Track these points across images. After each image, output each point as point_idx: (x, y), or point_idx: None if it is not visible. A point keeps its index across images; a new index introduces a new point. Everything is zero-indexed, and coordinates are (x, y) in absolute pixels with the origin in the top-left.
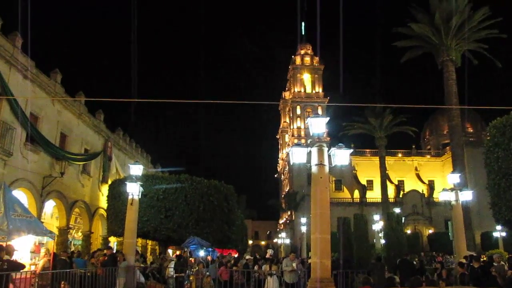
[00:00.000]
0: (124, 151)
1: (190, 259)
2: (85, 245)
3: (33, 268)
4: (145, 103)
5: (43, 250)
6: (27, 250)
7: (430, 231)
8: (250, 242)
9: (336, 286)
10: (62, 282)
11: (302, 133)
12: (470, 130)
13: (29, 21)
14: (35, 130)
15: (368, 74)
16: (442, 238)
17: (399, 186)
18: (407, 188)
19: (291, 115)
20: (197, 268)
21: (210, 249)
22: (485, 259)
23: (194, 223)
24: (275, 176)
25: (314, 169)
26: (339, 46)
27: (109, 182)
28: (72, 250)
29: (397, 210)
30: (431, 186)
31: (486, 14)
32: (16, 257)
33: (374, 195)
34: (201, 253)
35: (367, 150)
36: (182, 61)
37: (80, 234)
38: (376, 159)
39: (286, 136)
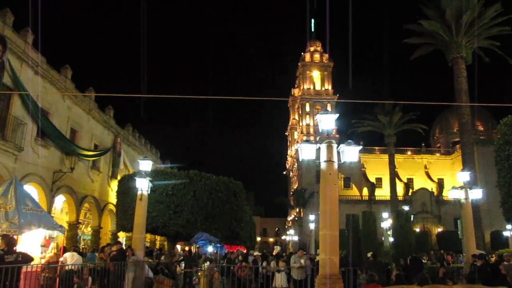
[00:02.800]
0: (133, 147)
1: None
2: (94, 240)
3: (43, 261)
4: (155, 99)
5: (52, 245)
6: (38, 244)
7: (439, 230)
8: (258, 239)
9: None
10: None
11: (311, 130)
12: (481, 128)
13: (40, 17)
14: (49, 123)
15: (377, 71)
16: (451, 236)
17: (408, 184)
18: (416, 186)
19: (300, 112)
20: (205, 264)
21: (218, 245)
22: (495, 258)
23: (203, 219)
24: (284, 173)
25: (323, 165)
26: (348, 43)
27: (118, 177)
28: (82, 245)
29: (406, 208)
30: (440, 184)
31: (498, 11)
32: (27, 250)
33: (383, 193)
34: (210, 249)
35: (376, 147)
36: (191, 57)
37: (89, 229)
38: (385, 157)
39: (295, 133)
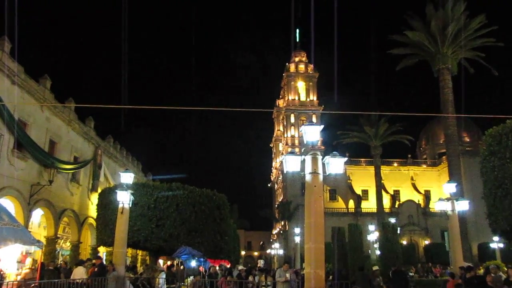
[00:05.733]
0: (115, 159)
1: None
2: (74, 255)
3: (19, 278)
4: (137, 111)
5: (28, 260)
6: (14, 260)
7: (427, 242)
8: (243, 252)
9: None
10: None
11: (296, 142)
12: (467, 139)
13: (17, 26)
14: (25, 136)
15: (363, 82)
16: (438, 249)
17: (395, 196)
18: (403, 198)
19: (285, 123)
20: (189, 278)
21: (202, 259)
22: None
23: (186, 232)
24: (269, 185)
25: (308, 177)
26: (334, 53)
27: (99, 190)
28: (61, 261)
29: (392, 220)
30: (427, 196)
31: (482, 22)
32: (2, 266)
33: (369, 205)
34: (193, 263)
35: (362, 159)
36: (175, 68)
37: (68, 244)
38: (371, 169)
39: (280, 144)
